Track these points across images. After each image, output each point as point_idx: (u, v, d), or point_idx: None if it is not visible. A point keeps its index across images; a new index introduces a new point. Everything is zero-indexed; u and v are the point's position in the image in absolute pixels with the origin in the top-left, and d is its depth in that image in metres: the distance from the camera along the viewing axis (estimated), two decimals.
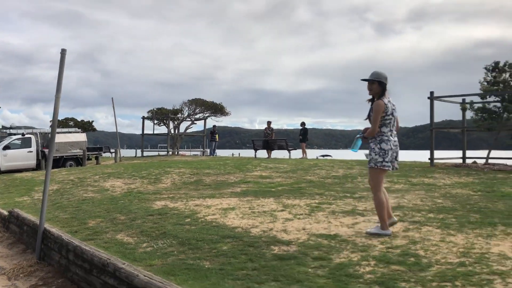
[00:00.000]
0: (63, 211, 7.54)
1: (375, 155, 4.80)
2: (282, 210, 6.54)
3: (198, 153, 39.08)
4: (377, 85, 4.85)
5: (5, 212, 8.04)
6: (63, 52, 5.87)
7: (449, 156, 16.52)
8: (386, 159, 4.77)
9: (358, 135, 5.07)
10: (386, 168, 4.79)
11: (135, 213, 6.77)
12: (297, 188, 9.43)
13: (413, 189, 9.21)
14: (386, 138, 4.80)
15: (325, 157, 27.22)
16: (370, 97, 4.97)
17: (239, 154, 41.30)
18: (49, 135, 21.15)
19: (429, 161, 14.15)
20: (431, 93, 14.09)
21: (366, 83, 4.92)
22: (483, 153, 17.37)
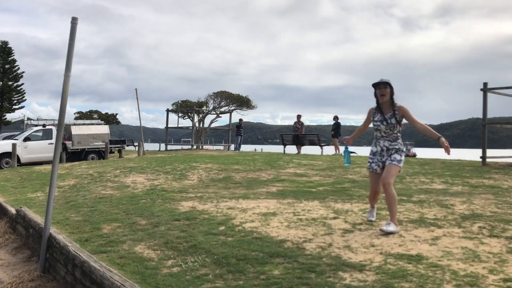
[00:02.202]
0: (76, 211, 6.55)
1: (403, 157, 4.95)
2: (335, 218, 5.38)
3: (222, 147, 38.10)
4: (390, 89, 4.94)
5: (13, 211, 7.12)
6: (74, 21, 4.84)
7: (494, 155, 15.05)
8: None
9: (347, 150, 5.56)
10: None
11: (158, 216, 5.72)
12: (341, 189, 8.26)
13: (477, 192, 7.93)
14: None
15: (351, 154, 25.70)
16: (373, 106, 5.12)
17: (261, 149, 40.13)
18: (71, 127, 20.45)
19: (480, 159, 12.75)
20: (485, 84, 12.66)
21: (392, 82, 4.98)
22: None
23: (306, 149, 20.55)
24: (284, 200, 6.83)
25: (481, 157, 12.68)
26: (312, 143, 18.41)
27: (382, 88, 4.93)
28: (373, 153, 5.10)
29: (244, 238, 4.44)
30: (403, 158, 4.93)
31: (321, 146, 18.13)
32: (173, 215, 5.75)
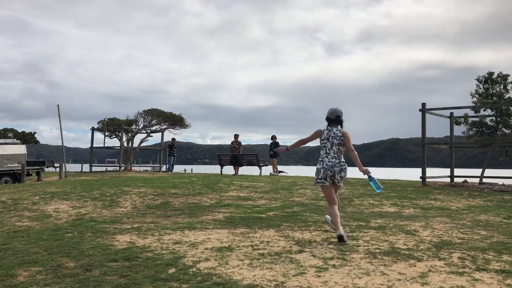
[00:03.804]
0: None
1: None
2: (300, 251, 4.73)
3: (149, 168, 36.29)
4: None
5: None
6: None
7: (430, 174, 15.38)
8: (319, 177, 5.62)
9: (372, 178, 5.59)
10: (319, 184, 5.62)
11: (90, 256, 4.71)
12: (292, 214, 7.68)
13: (431, 215, 7.72)
14: (321, 159, 5.69)
15: (280, 173, 25.39)
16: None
17: (191, 169, 38.84)
18: None
19: (420, 179, 12.86)
20: (423, 105, 12.87)
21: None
22: (461, 171, 16.44)
23: (244, 170, 19.92)
24: (236, 230, 6.08)
25: (420, 177, 12.78)
26: (250, 163, 17.82)
27: None
28: None
29: (202, 284, 3.62)
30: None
31: (260, 167, 17.60)
32: (109, 253, 4.78)
